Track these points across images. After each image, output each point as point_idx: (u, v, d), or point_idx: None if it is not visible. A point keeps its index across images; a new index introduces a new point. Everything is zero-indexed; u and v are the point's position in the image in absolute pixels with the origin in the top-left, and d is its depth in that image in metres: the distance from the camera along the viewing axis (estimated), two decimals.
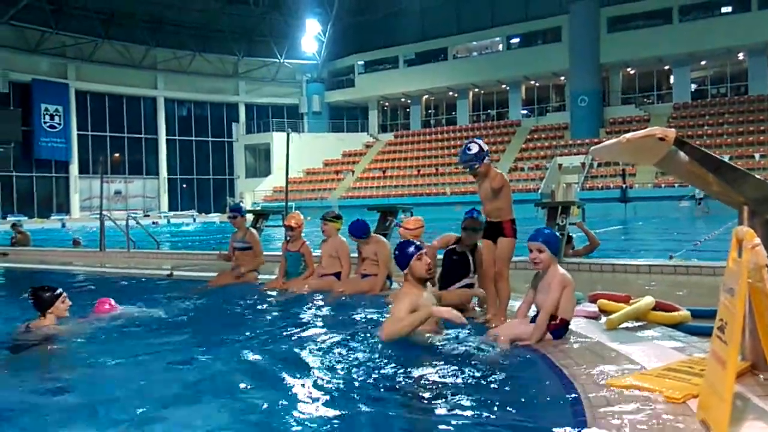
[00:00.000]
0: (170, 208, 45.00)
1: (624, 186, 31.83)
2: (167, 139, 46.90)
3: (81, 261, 10.73)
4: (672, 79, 40.00)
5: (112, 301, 5.34)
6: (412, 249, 4.24)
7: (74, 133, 42.18)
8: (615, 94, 41.10)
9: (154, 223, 32.47)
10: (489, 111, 46.57)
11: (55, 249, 13.52)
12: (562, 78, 41.83)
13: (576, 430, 2.47)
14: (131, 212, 24.04)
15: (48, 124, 40.51)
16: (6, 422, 2.81)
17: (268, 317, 4.98)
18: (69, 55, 41.89)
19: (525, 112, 44.68)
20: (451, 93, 46.83)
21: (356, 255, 6.53)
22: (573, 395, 2.85)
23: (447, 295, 5.14)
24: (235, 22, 46.06)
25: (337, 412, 2.79)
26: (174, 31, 44.42)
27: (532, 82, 44.08)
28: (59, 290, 4.84)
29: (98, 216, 12.96)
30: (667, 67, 39.75)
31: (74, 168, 42.33)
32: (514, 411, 2.81)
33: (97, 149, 43.11)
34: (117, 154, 45.01)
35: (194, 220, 38.02)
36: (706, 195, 31.18)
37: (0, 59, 37.71)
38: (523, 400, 2.99)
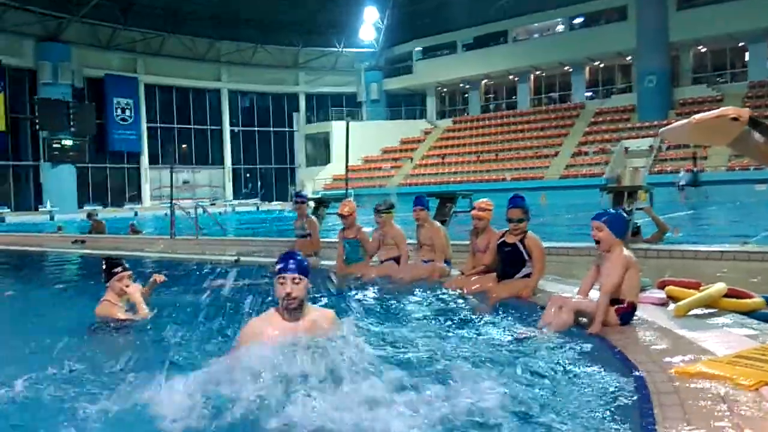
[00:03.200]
0: (234, 197, 46.32)
1: (695, 169, 30.46)
2: (231, 130, 48.21)
3: (153, 248, 11.22)
4: (747, 57, 37.78)
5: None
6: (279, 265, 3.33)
7: (144, 125, 43.87)
8: (685, 73, 39.18)
9: (223, 212, 33.27)
10: (551, 94, 45.36)
11: (129, 237, 14.19)
12: (628, 58, 40.23)
13: (642, 417, 2.44)
14: (199, 201, 24.94)
15: (120, 117, 42.30)
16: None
17: (329, 302, 5.09)
18: (138, 50, 43.52)
19: (589, 94, 43.28)
20: (510, 77, 45.91)
21: (415, 242, 6.59)
22: (639, 382, 2.81)
23: (501, 287, 5.12)
24: (294, 13, 46.61)
25: (397, 393, 2.84)
26: (236, 25, 45.41)
27: (596, 63, 42.61)
28: (119, 269, 4.74)
29: (168, 205, 13.51)
30: (741, 44, 37.53)
31: (144, 159, 44.07)
32: (576, 397, 2.79)
33: (165, 140, 44.86)
34: (184, 145, 46.56)
35: (257, 208, 38.92)
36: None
37: (76, 56, 39.56)
38: (586, 386, 2.96)
